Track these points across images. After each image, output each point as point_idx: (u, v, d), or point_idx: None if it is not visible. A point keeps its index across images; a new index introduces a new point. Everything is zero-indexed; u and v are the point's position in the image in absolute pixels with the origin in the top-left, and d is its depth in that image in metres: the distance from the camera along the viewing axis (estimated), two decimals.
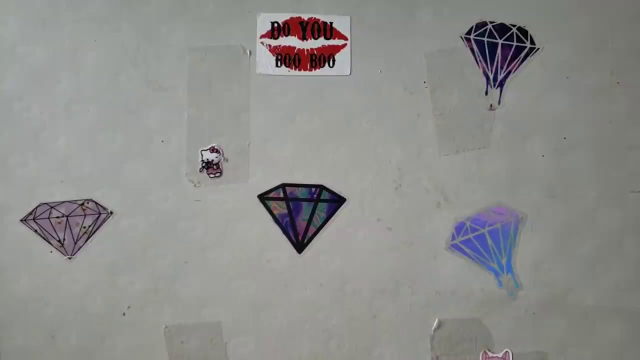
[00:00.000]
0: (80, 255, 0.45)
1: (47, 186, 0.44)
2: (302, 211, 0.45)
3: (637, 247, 0.46)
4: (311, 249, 0.45)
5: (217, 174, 0.45)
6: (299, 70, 0.46)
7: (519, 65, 0.46)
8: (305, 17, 0.46)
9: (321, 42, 0.46)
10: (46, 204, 0.44)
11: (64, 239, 0.44)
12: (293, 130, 0.46)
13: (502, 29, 0.46)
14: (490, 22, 0.46)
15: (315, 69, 0.46)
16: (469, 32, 0.46)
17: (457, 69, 0.46)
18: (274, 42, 0.46)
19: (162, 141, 0.45)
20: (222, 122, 0.45)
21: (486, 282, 0.45)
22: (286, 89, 0.46)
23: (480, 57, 0.46)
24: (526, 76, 0.46)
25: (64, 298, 0.44)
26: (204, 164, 0.45)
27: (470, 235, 0.45)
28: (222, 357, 0.45)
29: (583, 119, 0.46)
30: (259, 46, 0.46)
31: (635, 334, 0.45)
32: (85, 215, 0.44)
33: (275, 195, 0.45)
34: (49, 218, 0.44)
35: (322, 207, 0.45)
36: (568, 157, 0.46)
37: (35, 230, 0.44)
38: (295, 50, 0.46)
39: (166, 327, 0.45)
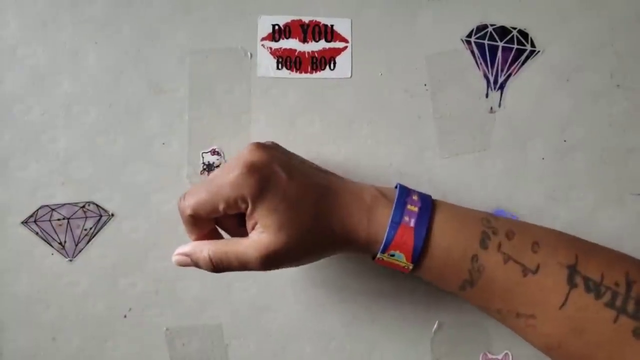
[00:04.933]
0: (81, 257, 0.45)
1: (48, 188, 0.44)
2: None
3: (637, 249, 0.46)
4: None
5: None
6: (300, 72, 0.46)
7: (519, 68, 0.46)
8: (306, 19, 0.46)
9: (322, 44, 0.46)
10: (47, 206, 0.44)
11: (65, 241, 0.44)
12: (294, 132, 0.46)
13: (502, 31, 0.46)
14: (491, 25, 0.47)
15: (316, 72, 0.46)
16: (469, 35, 0.46)
17: (457, 71, 0.46)
18: (274, 45, 0.46)
19: (163, 143, 0.45)
20: (223, 124, 0.45)
21: None
22: (287, 92, 0.46)
23: (481, 59, 0.46)
24: (526, 79, 0.46)
25: (65, 300, 0.44)
26: (205, 167, 0.45)
27: None
28: (223, 359, 0.45)
29: (583, 122, 0.46)
30: (259, 49, 0.46)
31: None
32: (86, 217, 0.44)
33: None
34: (50, 220, 0.44)
35: None
36: (568, 160, 0.46)
37: (37, 233, 0.44)
38: (296, 53, 0.46)
39: (167, 329, 0.45)
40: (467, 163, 0.46)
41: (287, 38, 0.46)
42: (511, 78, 0.46)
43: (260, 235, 0.33)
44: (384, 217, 0.34)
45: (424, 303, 0.45)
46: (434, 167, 0.46)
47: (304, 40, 0.46)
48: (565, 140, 0.46)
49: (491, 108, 0.46)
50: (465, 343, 0.45)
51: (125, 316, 0.45)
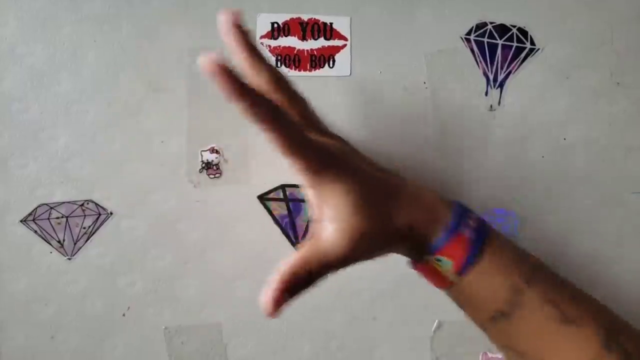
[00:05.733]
0: (80, 256, 0.45)
1: (46, 187, 0.44)
2: (301, 212, 0.45)
3: (637, 248, 0.46)
4: None
5: (217, 175, 0.45)
6: (299, 70, 0.46)
7: (519, 66, 0.46)
8: (305, 17, 0.46)
9: (321, 42, 0.46)
10: (46, 204, 0.44)
11: (63, 240, 0.44)
12: None
13: (502, 29, 0.46)
14: (491, 23, 0.46)
15: (315, 70, 0.46)
16: (469, 33, 0.46)
17: (457, 69, 0.46)
18: (274, 43, 0.46)
19: (162, 142, 0.45)
20: (222, 122, 0.45)
21: None
22: None
23: (480, 57, 0.46)
24: (526, 77, 0.46)
25: (64, 299, 0.44)
26: (203, 165, 0.45)
27: None
28: (222, 358, 0.45)
29: (583, 120, 0.46)
30: (259, 47, 0.46)
31: None
32: (85, 216, 0.44)
33: (275, 196, 0.45)
34: (48, 219, 0.44)
35: None
36: (568, 158, 0.46)
37: (35, 231, 0.44)
38: (295, 51, 0.46)
39: (166, 328, 0.45)
40: (467, 161, 0.46)
41: (286, 36, 0.46)
42: (511, 76, 0.46)
43: (336, 220, 0.31)
44: (442, 220, 0.33)
45: (424, 302, 0.45)
46: (433, 165, 0.46)
47: (303, 38, 0.46)
48: (564, 138, 0.46)
49: (491, 106, 0.46)
50: (465, 342, 0.45)
51: (123, 315, 0.45)
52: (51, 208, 0.44)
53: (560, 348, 0.32)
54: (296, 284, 0.31)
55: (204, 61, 0.27)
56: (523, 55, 0.46)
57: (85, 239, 0.44)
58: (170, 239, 0.45)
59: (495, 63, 0.46)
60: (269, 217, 0.45)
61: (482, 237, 0.33)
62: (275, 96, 0.34)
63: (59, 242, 0.44)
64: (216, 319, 0.45)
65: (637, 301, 0.46)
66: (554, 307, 0.32)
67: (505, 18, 0.46)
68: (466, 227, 0.33)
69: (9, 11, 0.45)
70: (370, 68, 0.46)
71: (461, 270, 0.32)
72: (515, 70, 0.46)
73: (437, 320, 0.45)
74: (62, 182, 0.44)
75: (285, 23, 0.46)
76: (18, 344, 0.44)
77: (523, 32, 0.46)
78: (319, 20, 0.46)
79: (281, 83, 0.35)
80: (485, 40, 0.46)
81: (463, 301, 0.34)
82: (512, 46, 0.46)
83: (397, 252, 0.35)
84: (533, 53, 0.46)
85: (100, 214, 0.44)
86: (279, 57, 0.46)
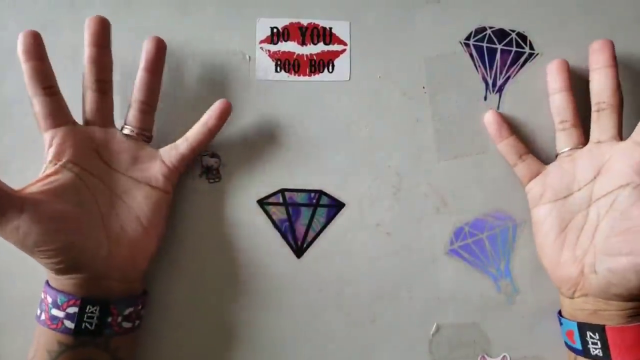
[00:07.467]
0: None
1: None
2: (301, 216, 0.45)
3: None
4: (310, 254, 0.45)
5: (217, 179, 0.45)
6: (299, 75, 0.46)
7: (518, 71, 0.46)
8: (304, 22, 0.46)
9: (320, 47, 0.46)
10: None
11: None
12: (292, 135, 0.46)
13: (501, 34, 0.47)
14: (490, 28, 0.47)
15: (314, 75, 0.46)
16: (468, 38, 0.46)
17: (456, 74, 0.46)
18: (273, 48, 0.46)
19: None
20: (222, 127, 0.45)
21: (484, 286, 0.45)
22: (285, 94, 0.46)
23: (480, 62, 0.46)
24: (525, 81, 0.46)
25: None
26: (203, 169, 0.45)
27: (469, 240, 0.45)
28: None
29: (582, 124, 0.46)
30: (258, 51, 0.46)
31: None
32: None
33: (275, 200, 0.45)
34: None
35: (321, 212, 0.45)
36: None
37: None
38: (295, 56, 0.46)
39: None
40: (466, 165, 0.46)
41: (285, 41, 0.46)
42: (510, 81, 0.46)
43: None
44: None
45: (423, 305, 0.45)
46: (433, 169, 0.46)
47: (303, 43, 0.46)
48: None
49: None
50: (463, 346, 0.45)
51: None
52: None
53: None
54: None
55: None
56: (522, 60, 0.46)
57: None
58: (170, 242, 0.45)
59: (495, 68, 0.46)
60: (268, 222, 0.45)
61: None
62: None
63: None
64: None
65: None
66: None
67: (504, 23, 0.47)
68: None
69: (9, 15, 0.45)
70: (370, 73, 0.46)
71: None
72: (515, 75, 0.46)
73: (435, 323, 0.45)
74: None
75: (285, 28, 0.46)
76: (17, 346, 0.44)
77: (522, 36, 0.47)
78: (319, 25, 0.46)
79: None
80: (485, 45, 0.46)
81: None
82: (511, 51, 0.46)
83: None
84: (532, 58, 0.46)
85: None
86: (279, 62, 0.46)
